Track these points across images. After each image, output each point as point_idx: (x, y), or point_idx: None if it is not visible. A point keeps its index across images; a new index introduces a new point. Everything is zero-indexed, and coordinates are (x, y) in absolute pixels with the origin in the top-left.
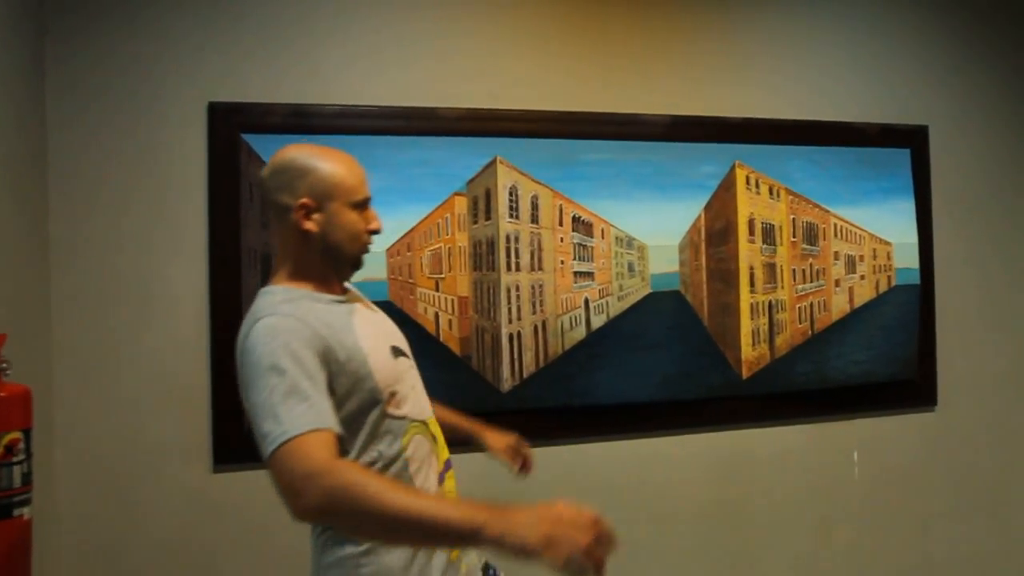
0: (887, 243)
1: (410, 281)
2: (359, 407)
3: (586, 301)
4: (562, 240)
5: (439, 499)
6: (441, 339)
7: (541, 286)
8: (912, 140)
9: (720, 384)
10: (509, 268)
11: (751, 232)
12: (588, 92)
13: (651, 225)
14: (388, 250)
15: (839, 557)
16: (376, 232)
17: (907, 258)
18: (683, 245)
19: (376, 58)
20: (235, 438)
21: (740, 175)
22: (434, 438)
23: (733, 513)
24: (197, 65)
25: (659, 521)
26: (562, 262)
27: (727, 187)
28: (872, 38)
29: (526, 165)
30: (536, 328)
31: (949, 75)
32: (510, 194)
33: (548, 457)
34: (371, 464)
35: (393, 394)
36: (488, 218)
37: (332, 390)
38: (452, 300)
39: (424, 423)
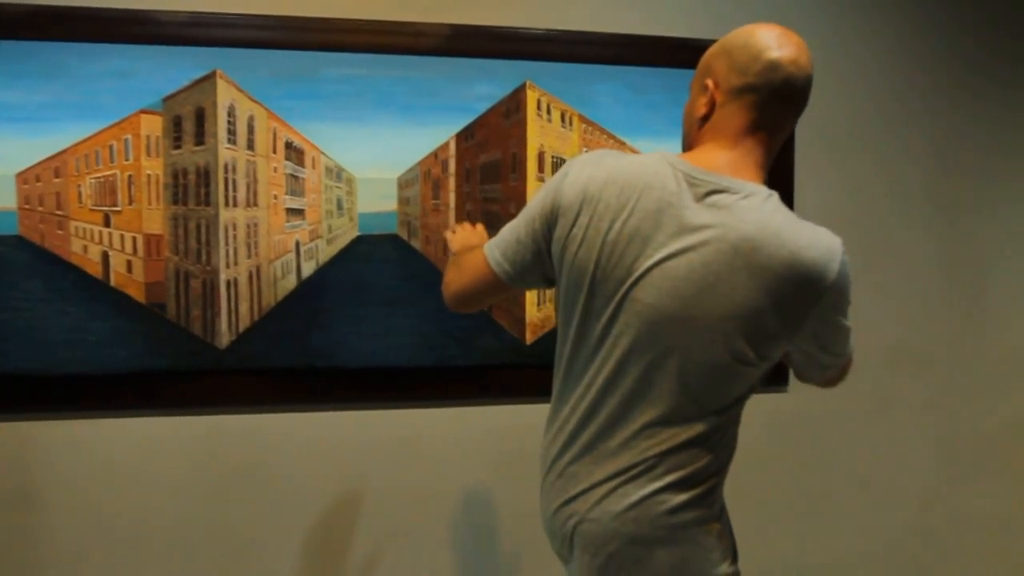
0: None
1: (59, 213)
2: None
3: (297, 244)
4: (275, 170)
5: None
6: (113, 283)
7: (256, 225)
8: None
9: (499, 349)
10: (227, 203)
11: (540, 168)
12: None
13: (370, 154)
14: (20, 175)
15: None
16: None
17: None
18: (409, 179)
19: None
20: None
21: (531, 98)
22: None
23: (518, 500)
24: None
25: (428, 502)
26: (275, 197)
27: (507, 112)
28: None
29: (251, 80)
30: (251, 275)
31: None
32: (228, 115)
33: (294, 424)
34: None
35: None
36: (200, 142)
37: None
38: (134, 238)
39: None
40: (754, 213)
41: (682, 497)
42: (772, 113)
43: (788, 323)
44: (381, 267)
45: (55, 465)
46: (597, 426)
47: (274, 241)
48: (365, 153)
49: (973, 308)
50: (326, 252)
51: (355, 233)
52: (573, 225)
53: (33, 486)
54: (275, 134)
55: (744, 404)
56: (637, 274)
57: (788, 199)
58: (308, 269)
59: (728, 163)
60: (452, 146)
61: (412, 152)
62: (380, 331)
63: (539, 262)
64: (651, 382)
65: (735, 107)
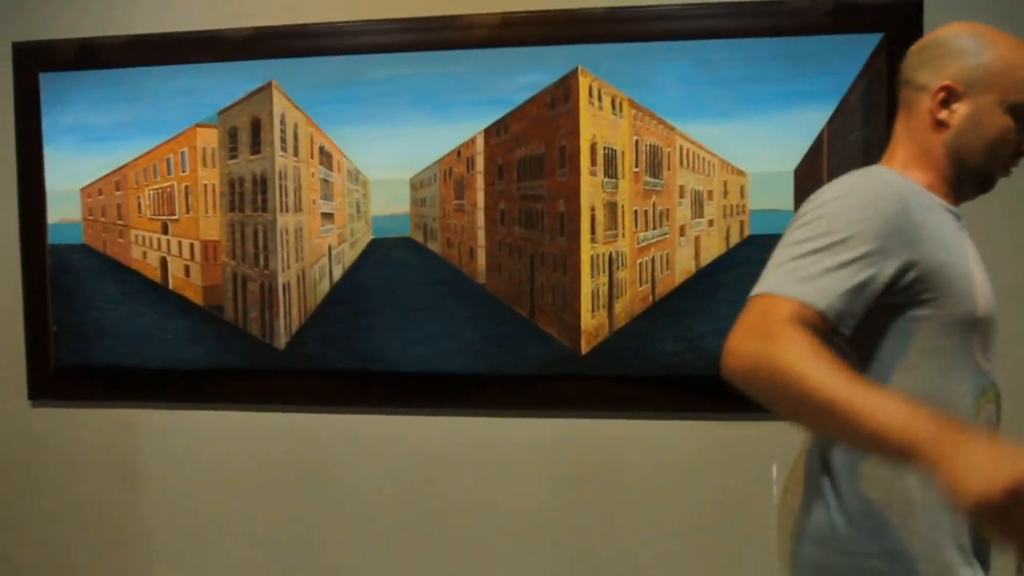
0: (741, 173)
1: (119, 223)
2: (940, 325)
3: (329, 248)
4: (313, 175)
5: (881, 396)
6: (171, 286)
7: (301, 229)
8: (891, 20)
9: (554, 359)
10: (283, 208)
11: (592, 161)
12: None
13: (385, 155)
14: (84, 189)
15: None
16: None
17: (768, 196)
18: (424, 180)
19: None
20: (47, 372)
21: (583, 85)
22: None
23: (584, 523)
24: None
25: (485, 519)
26: (313, 201)
27: (553, 102)
28: None
29: (297, 88)
30: (299, 278)
31: None
32: (281, 123)
33: (355, 424)
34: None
35: (984, 337)
36: (256, 151)
37: (896, 285)
38: (192, 244)
39: (999, 395)
40: None
41: None
42: None
43: None
44: (403, 271)
45: (152, 449)
46: None
47: (313, 245)
48: (381, 154)
49: None
50: (349, 256)
51: (369, 236)
52: None
53: (136, 466)
54: (312, 140)
55: None
56: None
57: None
58: (336, 273)
59: None
60: (479, 142)
61: (433, 150)
62: (421, 336)
63: None
64: None
65: None
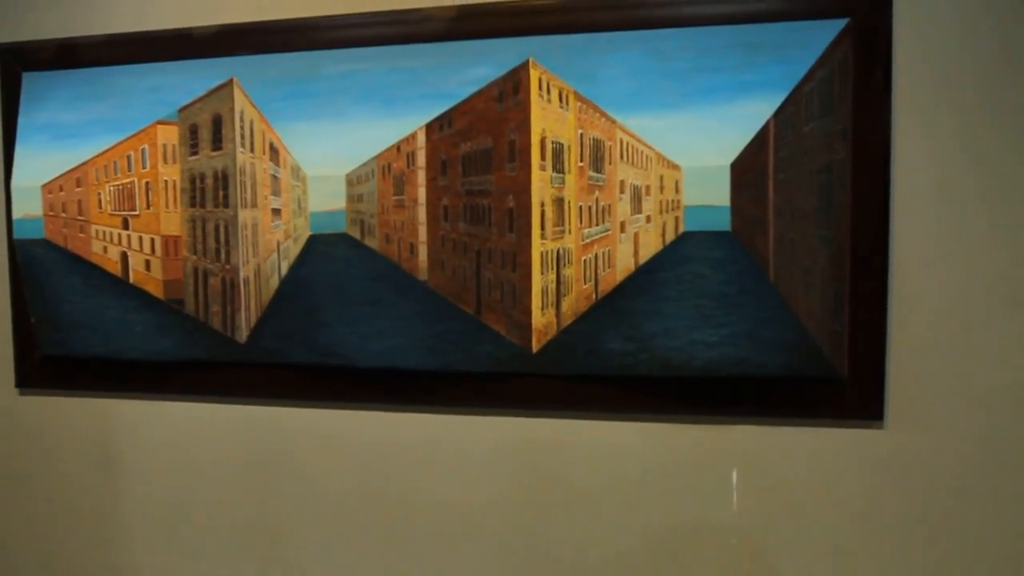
0: (675, 167)
1: (79, 218)
2: None
3: (278, 244)
4: (265, 171)
5: None
6: (132, 280)
7: (256, 225)
8: (858, 5)
9: (506, 357)
10: (243, 204)
11: (543, 155)
12: None
13: (326, 150)
14: (45, 186)
15: None
16: None
17: (702, 191)
18: (361, 176)
19: None
20: (34, 361)
21: (534, 78)
22: None
23: (538, 522)
24: None
25: (441, 514)
26: (266, 197)
27: (501, 96)
28: None
29: (255, 85)
30: (255, 273)
31: None
32: (240, 119)
33: (315, 418)
34: None
35: None
36: (217, 147)
37: None
38: (152, 239)
39: None
40: None
41: None
42: None
43: None
44: (345, 267)
45: (127, 438)
46: None
47: (265, 240)
48: (322, 150)
49: None
50: (293, 251)
51: (308, 232)
52: None
53: (113, 454)
54: (264, 136)
55: None
56: None
57: (879, 169)
58: (284, 268)
59: None
60: (420, 137)
61: (373, 146)
62: (373, 331)
63: None
64: None
65: None
